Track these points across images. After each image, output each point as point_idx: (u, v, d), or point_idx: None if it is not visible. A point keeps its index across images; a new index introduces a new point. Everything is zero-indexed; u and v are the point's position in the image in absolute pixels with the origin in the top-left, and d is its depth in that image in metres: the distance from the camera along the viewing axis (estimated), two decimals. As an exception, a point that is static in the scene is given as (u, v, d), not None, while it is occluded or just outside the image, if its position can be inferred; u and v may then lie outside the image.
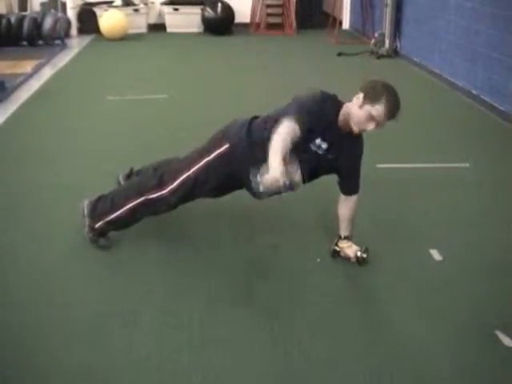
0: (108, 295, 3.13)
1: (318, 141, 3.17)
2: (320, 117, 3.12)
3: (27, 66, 8.47)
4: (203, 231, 3.74)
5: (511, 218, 3.96)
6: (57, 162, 4.88)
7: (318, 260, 3.41)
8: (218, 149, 3.31)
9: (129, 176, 3.90)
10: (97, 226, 3.51)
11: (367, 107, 3.07)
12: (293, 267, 3.38)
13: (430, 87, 7.56)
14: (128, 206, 3.45)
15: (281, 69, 8.35)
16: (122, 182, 3.87)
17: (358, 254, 3.36)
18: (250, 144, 3.24)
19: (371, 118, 3.10)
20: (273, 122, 3.12)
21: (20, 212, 4.03)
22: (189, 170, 3.34)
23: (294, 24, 11.62)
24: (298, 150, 3.01)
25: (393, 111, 3.11)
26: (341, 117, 3.16)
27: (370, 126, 3.12)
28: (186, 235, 3.70)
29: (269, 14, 11.82)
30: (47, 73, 8.32)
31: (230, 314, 2.96)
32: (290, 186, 2.85)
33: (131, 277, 3.29)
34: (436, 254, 3.48)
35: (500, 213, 4.05)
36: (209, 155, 3.32)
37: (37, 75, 8.14)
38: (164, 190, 3.38)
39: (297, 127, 3.00)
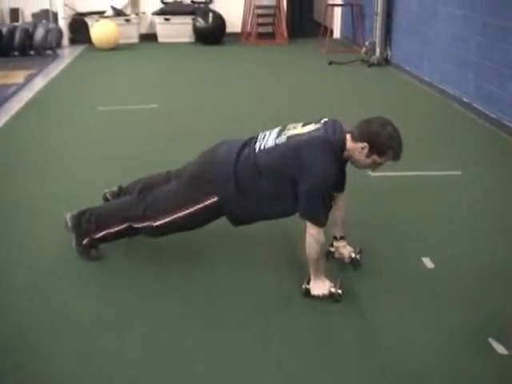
0: (100, 304, 3.11)
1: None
2: (336, 175, 3.11)
3: (19, 77, 8.48)
4: (196, 244, 3.72)
5: (504, 226, 3.97)
6: (48, 172, 4.87)
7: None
8: (205, 200, 3.25)
9: (117, 195, 3.80)
10: (84, 242, 3.50)
11: (374, 157, 3.10)
12: (281, 274, 3.37)
13: (421, 95, 7.59)
14: (113, 230, 3.45)
15: (272, 78, 8.37)
16: (110, 199, 3.80)
17: (353, 255, 3.39)
18: (241, 198, 3.21)
19: (376, 164, 3.15)
20: (270, 176, 3.13)
21: (11, 222, 4.02)
22: (173, 215, 3.30)
23: (285, 33, 11.65)
24: None
25: (398, 156, 3.13)
26: (345, 155, 3.14)
27: (374, 169, 3.23)
28: (180, 247, 3.69)
29: (260, 24, 11.84)
30: (39, 83, 8.32)
31: (221, 325, 2.95)
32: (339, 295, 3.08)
33: (123, 286, 3.28)
34: (428, 262, 3.48)
35: (492, 220, 4.06)
36: (195, 205, 3.26)
37: (28, 85, 8.14)
38: (147, 223, 3.37)
39: (325, 224, 3.08)
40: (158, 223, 3.34)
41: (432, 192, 4.51)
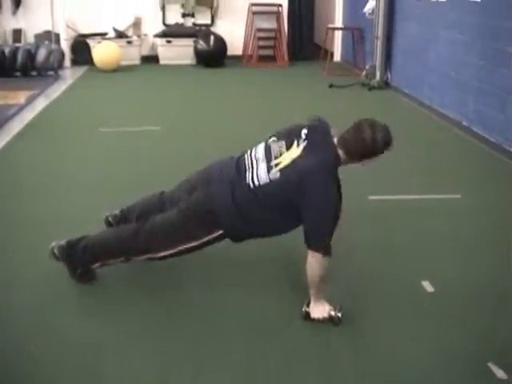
0: (99, 330, 3.10)
1: None
2: (336, 190, 3.14)
3: (20, 97, 8.50)
4: (194, 265, 3.71)
5: (503, 250, 3.96)
6: (48, 195, 4.88)
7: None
8: (211, 235, 3.25)
9: (119, 218, 3.73)
10: (78, 271, 3.46)
11: (366, 160, 3.17)
12: (279, 300, 3.37)
13: (421, 119, 7.62)
14: (110, 261, 3.42)
15: (272, 101, 8.39)
16: (112, 222, 3.73)
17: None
18: (245, 225, 3.23)
19: (368, 161, 3.20)
20: (272, 208, 3.16)
21: (10, 244, 4.02)
22: (177, 248, 3.29)
23: (286, 56, 11.71)
24: None
25: (389, 146, 3.18)
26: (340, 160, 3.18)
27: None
28: (178, 268, 3.69)
29: (261, 47, 11.90)
30: (40, 104, 8.34)
31: (221, 348, 2.95)
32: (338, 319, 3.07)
33: (122, 311, 3.28)
34: (428, 286, 3.48)
35: (492, 244, 4.06)
36: (199, 240, 3.26)
37: (30, 106, 8.16)
38: (148, 255, 3.35)
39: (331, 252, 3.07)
40: (160, 255, 3.32)
41: (431, 215, 4.51)
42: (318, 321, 3.10)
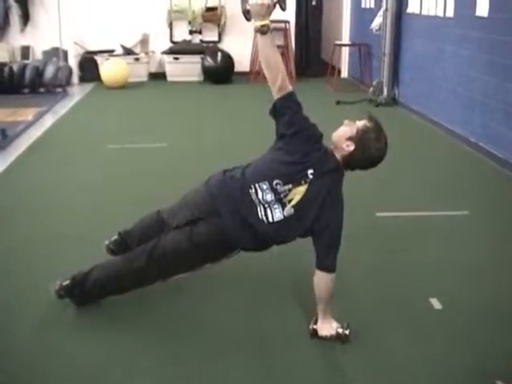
0: (101, 352, 3.07)
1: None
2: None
3: (28, 114, 8.54)
4: (198, 283, 3.68)
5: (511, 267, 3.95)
6: (55, 212, 4.87)
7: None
8: (228, 254, 3.28)
9: (119, 244, 3.64)
10: (82, 301, 3.41)
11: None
12: (286, 317, 3.36)
13: (429, 135, 7.61)
14: (122, 291, 3.41)
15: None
16: (114, 249, 3.64)
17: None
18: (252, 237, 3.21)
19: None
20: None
21: (15, 262, 4.01)
22: (189, 270, 3.36)
23: (293, 72, 11.72)
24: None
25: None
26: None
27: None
28: (181, 286, 3.69)
29: (268, 63, 11.92)
30: (48, 121, 8.38)
31: (225, 366, 2.93)
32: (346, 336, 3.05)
33: (126, 327, 3.27)
34: (436, 303, 3.46)
35: (500, 261, 4.04)
36: (214, 261, 3.32)
37: (38, 123, 8.19)
38: (162, 279, 3.37)
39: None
40: (174, 278, 3.37)
41: (439, 232, 4.50)
42: (326, 338, 3.09)
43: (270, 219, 3.12)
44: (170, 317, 3.36)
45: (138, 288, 3.36)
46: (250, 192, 3.15)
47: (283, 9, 3.14)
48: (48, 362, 2.96)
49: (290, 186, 3.11)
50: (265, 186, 3.14)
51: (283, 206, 3.12)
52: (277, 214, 3.12)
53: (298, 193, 3.11)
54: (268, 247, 3.28)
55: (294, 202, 3.11)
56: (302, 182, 3.11)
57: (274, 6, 3.08)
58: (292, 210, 3.11)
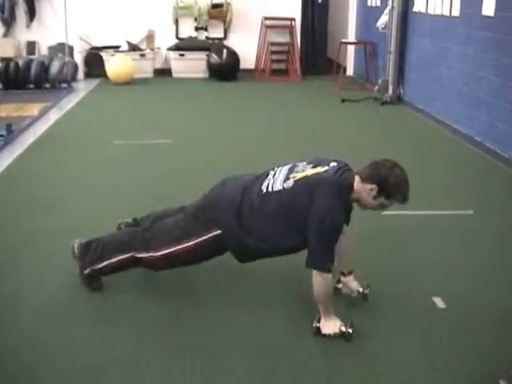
0: (108, 340, 3.11)
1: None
2: (343, 214, 3.13)
3: (34, 109, 8.56)
4: (200, 280, 3.71)
5: (515, 266, 3.96)
6: (61, 207, 4.89)
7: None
8: (208, 233, 3.29)
9: (131, 226, 3.85)
10: (86, 272, 3.52)
11: (381, 199, 3.13)
12: (292, 313, 3.36)
13: (434, 134, 7.60)
14: (116, 259, 3.47)
15: (284, 114, 8.40)
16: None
17: (360, 289, 3.39)
18: (243, 235, 3.24)
19: (383, 206, 3.18)
20: (278, 217, 3.18)
21: (21, 257, 4.02)
22: (175, 246, 3.35)
23: (299, 70, 11.73)
24: None
25: (406, 199, 3.17)
26: (352, 198, 3.17)
27: (380, 210, 3.26)
28: (186, 281, 3.70)
29: (273, 61, 11.94)
30: (53, 116, 8.40)
31: (229, 364, 2.94)
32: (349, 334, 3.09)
33: (130, 321, 3.28)
34: (440, 302, 3.46)
35: (505, 260, 4.04)
36: (197, 238, 3.31)
37: (43, 118, 8.22)
38: (149, 253, 3.40)
39: (331, 271, 3.10)
40: (159, 254, 3.37)
41: (443, 231, 4.50)
42: (329, 336, 3.10)
43: (270, 189, 3.21)
44: (173, 313, 3.36)
45: (128, 255, 3.43)
46: (269, 171, 3.33)
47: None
48: (52, 356, 2.97)
49: (310, 165, 3.23)
50: (288, 164, 3.31)
51: (286, 179, 3.21)
52: (277, 184, 3.21)
53: (309, 171, 3.19)
54: (252, 244, 3.26)
55: (296, 178, 3.18)
56: (321, 166, 3.20)
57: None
58: (291, 184, 3.17)
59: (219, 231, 3.26)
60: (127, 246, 3.46)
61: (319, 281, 3.08)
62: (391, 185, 3.08)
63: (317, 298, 3.13)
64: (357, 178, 3.14)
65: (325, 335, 3.11)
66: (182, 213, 3.53)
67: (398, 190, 3.10)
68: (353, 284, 3.42)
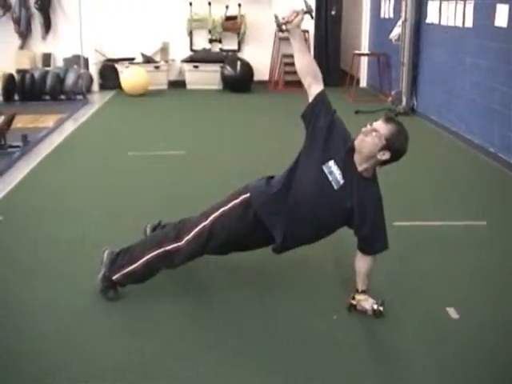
0: (123, 349, 3.13)
1: (331, 163, 3.30)
2: (343, 134, 3.38)
3: (49, 121, 8.63)
4: (220, 286, 3.76)
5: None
6: (77, 217, 4.93)
7: (335, 317, 3.40)
8: (236, 199, 3.43)
9: (155, 228, 3.95)
10: (114, 278, 3.56)
11: (382, 153, 3.26)
12: (308, 324, 3.38)
13: (447, 145, 7.60)
14: (145, 258, 3.50)
15: (299, 126, 8.36)
16: (148, 231, 3.95)
17: (375, 306, 3.39)
18: (269, 194, 3.39)
19: (379, 159, 3.30)
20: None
21: (39, 267, 4.06)
22: (205, 221, 3.44)
23: (312, 81, 11.73)
24: (309, 166, 3.34)
25: (401, 155, 3.36)
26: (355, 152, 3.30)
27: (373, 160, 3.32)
28: (203, 291, 3.72)
29: (287, 72, 11.95)
30: (69, 127, 8.46)
31: (247, 371, 2.96)
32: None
33: (148, 332, 3.30)
34: (453, 313, 3.47)
35: (517, 271, 4.05)
36: (226, 205, 3.44)
37: (59, 130, 8.29)
38: (180, 241, 3.45)
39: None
40: (188, 237, 3.44)
41: (457, 242, 4.50)
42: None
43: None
44: (192, 315, 3.42)
45: (158, 251, 3.47)
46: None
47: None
48: (69, 362, 3.01)
49: None
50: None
51: None
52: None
53: None
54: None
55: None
56: None
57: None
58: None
59: (248, 194, 3.42)
60: (158, 240, 3.54)
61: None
62: (401, 153, 3.31)
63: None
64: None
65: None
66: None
67: (397, 150, 3.27)
68: (366, 302, 3.44)
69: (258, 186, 3.48)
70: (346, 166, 3.27)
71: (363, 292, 3.45)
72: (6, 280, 3.87)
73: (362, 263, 3.45)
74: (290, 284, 3.81)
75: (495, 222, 4.84)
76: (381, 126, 3.23)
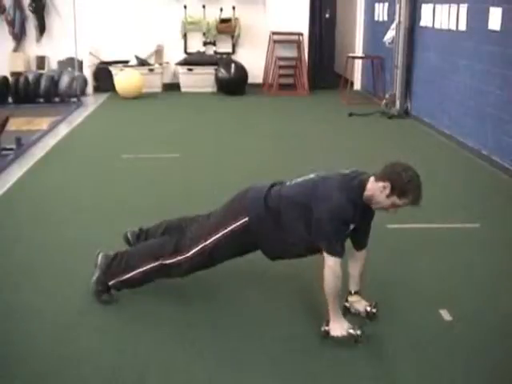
0: (119, 350, 3.14)
1: (351, 226, 3.25)
2: (353, 213, 3.18)
3: (43, 123, 8.62)
4: (219, 287, 3.76)
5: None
6: (70, 220, 4.93)
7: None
8: (236, 222, 3.38)
9: (138, 235, 3.90)
10: (110, 283, 3.57)
11: (394, 198, 3.17)
12: (307, 326, 3.38)
13: (441, 148, 7.62)
14: (142, 269, 3.51)
15: (293, 129, 8.40)
16: (131, 239, 3.89)
17: (368, 308, 3.38)
18: (268, 220, 3.35)
19: (396, 206, 3.21)
20: (292, 204, 3.31)
21: (31, 269, 4.06)
22: (205, 241, 3.42)
23: (306, 84, 11.76)
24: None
25: (417, 201, 3.21)
26: (365, 196, 3.21)
27: (392, 211, 3.28)
28: (200, 292, 3.72)
29: (281, 75, 11.98)
30: (63, 130, 8.45)
31: (244, 374, 2.96)
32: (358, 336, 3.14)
33: (142, 332, 3.30)
34: (446, 314, 3.48)
35: (510, 273, 4.05)
36: (226, 228, 3.40)
37: (53, 132, 8.28)
38: (179, 256, 3.45)
39: (341, 255, 3.17)
40: (188, 254, 3.43)
41: (450, 244, 4.51)
42: (338, 339, 3.14)
43: (293, 182, 3.42)
44: (188, 320, 3.41)
45: (156, 264, 3.48)
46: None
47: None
48: (64, 365, 3.01)
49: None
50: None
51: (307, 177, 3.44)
52: (299, 179, 3.42)
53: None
54: (277, 236, 3.38)
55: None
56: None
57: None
58: (307, 178, 3.40)
59: (246, 218, 3.36)
60: (155, 253, 3.53)
61: (329, 267, 3.14)
62: (404, 183, 3.13)
63: (326, 291, 3.18)
64: (371, 179, 3.21)
65: (333, 338, 3.16)
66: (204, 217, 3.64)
67: (411, 188, 3.14)
68: (360, 304, 3.44)
69: (256, 210, 3.39)
70: (358, 214, 3.25)
71: (356, 293, 3.45)
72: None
73: (356, 263, 3.44)
74: (290, 284, 3.82)
75: (488, 225, 4.85)
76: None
